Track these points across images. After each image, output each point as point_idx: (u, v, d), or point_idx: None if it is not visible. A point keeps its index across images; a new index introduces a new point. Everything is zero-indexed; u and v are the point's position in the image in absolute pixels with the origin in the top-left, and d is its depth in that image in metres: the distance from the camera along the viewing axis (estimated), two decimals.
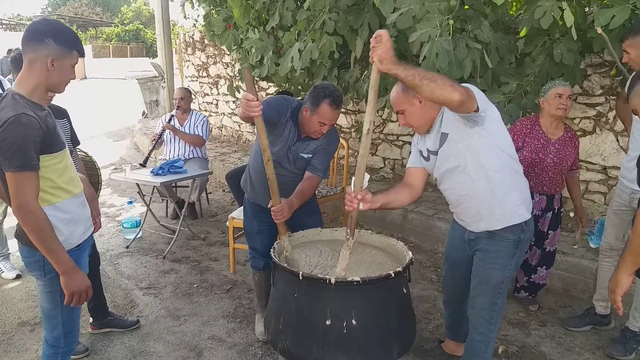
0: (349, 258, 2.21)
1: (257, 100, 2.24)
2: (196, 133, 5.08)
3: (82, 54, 1.91)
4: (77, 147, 3.17)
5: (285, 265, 2.23)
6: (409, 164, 2.39)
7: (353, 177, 2.09)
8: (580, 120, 4.17)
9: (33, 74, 1.80)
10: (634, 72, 2.54)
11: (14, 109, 1.71)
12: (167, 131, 5.08)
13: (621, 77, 3.30)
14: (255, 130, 2.57)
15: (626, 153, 2.80)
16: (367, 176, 2.24)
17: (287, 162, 2.72)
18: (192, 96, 5.55)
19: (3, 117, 1.70)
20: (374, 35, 1.79)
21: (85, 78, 28.88)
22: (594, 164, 4.16)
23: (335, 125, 2.70)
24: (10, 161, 1.70)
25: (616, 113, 3.24)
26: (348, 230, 2.18)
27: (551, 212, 3.13)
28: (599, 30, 2.71)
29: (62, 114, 2.69)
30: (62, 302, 1.94)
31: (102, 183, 3.87)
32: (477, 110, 1.92)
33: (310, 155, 2.71)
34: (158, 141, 5.08)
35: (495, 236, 2.19)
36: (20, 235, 1.92)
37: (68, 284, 1.87)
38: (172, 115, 5.14)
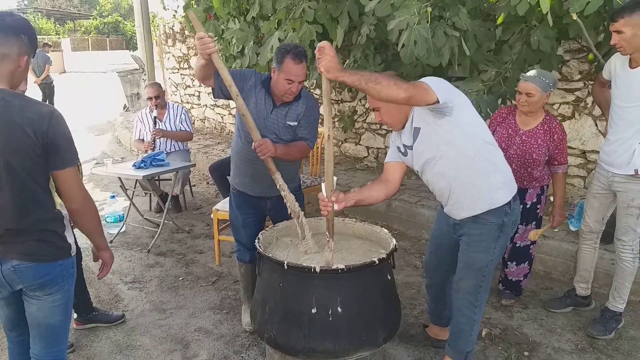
0: (333, 257, 2.24)
1: (209, 35, 2.25)
2: (181, 128, 5.01)
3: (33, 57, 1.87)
4: None
5: (271, 255, 2.24)
6: (387, 159, 2.42)
7: (322, 184, 2.14)
8: (560, 105, 4.23)
9: (3, 69, 1.69)
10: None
11: (43, 104, 1.73)
12: (147, 132, 4.94)
13: (596, 62, 3.34)
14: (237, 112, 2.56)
15: (604, 137, 2.84)
16: (334, 178, 2.28)
17: (266, 130, 2.61)
18: (163, 88, 5.35)
19: (44, 111, 1.67)
20: (317, 48, 1.90)
21: (65, 72, 28.40)
22: (574, 148, 4.22)
23: (310, 92, 2.66)
24: (71, 155, 1.73)
25: (593, 97, 3.23)
26: (327, 233, 2.21)
27: (521, 206, 2.96)
28: (575, 17, 2.74)
29: None
30: (71, 307, 1.93)
31: (83, 177, 3.82)
32: (437, 101, 1.96)
33: (295, 124, 2.67)
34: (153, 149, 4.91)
35: (478, 220, 2.22)
36: (39, 253, 1.76)
37: (110, 258, 2.01)
38: (155, 117, 4.96)
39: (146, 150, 4.87)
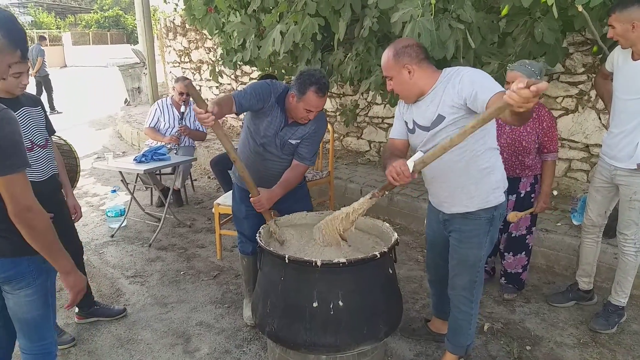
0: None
1: (206, 112, 2.21)
2: (198, 128, 4.95)
3: (24, 57, 1.74)
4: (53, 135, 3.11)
5: (272, 249, 2.23)
6: (394, 135, 2.36)
7: (417, 155, 1.99)
8: (563, 98, 4.20)
9: None
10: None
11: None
12: (167, 123, 4.93)
13: (601, 54, 3.31)
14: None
15: (607, 130, 2.82)
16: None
17: (274, 146, 2.69)
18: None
19: None
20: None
21: (65, 66, 28.39)
22: (577, 142, 4.20)
23: (323, 110, 2.68)
24: (13, 161, 1.56)
25: (595, 90, 3.22)
26: (380, 191, 2.18)
27: (515, 195, 3.03)
28: (580, 8, 2.71)
29: (36, 102, 2.63)
30: (53, 302, 1.90)
31: (84, 171, 3.81)
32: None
33: (298, 141, 2.68)
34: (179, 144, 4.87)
35: (469, 216, 2.21)
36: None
37: (75, 283, 1.79)
38: (183, 113, 4.90)
39: (171, 142, 4.82)
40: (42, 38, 12.76)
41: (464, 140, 1.80)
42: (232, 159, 2.44)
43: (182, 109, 4.92)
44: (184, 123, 4.90)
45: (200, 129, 4.99)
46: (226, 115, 4.37)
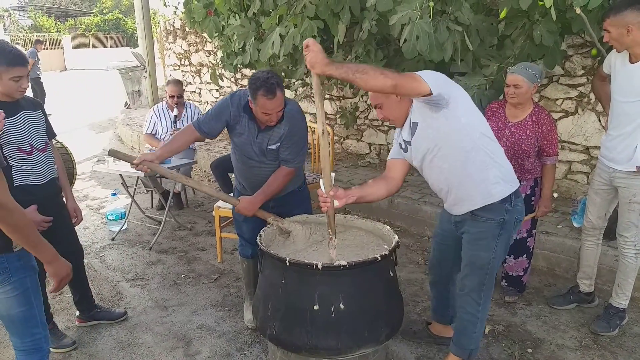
0: (335, 254, 2.23)
1: (135, 163, 2.50)
2: None
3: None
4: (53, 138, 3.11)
5: (273, 252, 2.23)
6: (390, 156, 2.42)
7: (321, 180, 2.14)
8: (563, 101, 4.21)
9: None
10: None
11: None
12: (164, 128, 4.89)
13: (600, 57, 3.31)
14: None
15: (606, 132, 2.82)
16: (332, 174, 2.28)
17: (254, 154, 2.70)
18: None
19: None
20: (304, 44, 1.93)
21: (65, 70, 28.41)
22: (577, 144, 4.20)
23: (296, 109, 2.65)
24: None
25: (593, 91, 3.22)
26: (329, 230, 2.20)
27: None
28: (578, 11, 2.71)
29: (36, 105, 2.64)
30: (36, 299, 1.90)
31: (84, 175, 3.82)
32: (430, 93, 1.95)
33: (278, 145, 2.66)
34: None
35: (478, 217, 2.21)
36: None
37: (57, 271, 1.83)
38: (175, 116, 4.88)
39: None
40: (38, 42, 12.70)
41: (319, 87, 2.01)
42: (198, 188, 2.67)
43: (175, 112, 4.88)
44: (177, 126, 4.85)
45: None
46: (195, 143, 4.48)
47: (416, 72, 1.98)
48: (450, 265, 2.49)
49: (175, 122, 4.89)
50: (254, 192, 2.73)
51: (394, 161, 2.39)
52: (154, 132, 4.93)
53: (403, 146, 2.30)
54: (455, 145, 2.11)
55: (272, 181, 2.68)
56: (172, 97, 4.84)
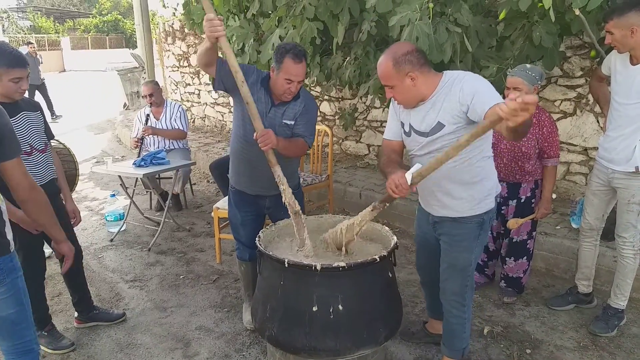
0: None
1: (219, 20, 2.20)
2: (175, 127, 4.99)
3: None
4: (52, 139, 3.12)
5: (271, 254, 2.23)
6: (389, 136, 2.32)
7: (412, 170, 1.98)
8: (561, 102, 4.21)
9: None
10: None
11: None
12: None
13: (599, 58, 3.32)
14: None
15: (604, 133, 2.82)
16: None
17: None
18: (160, 87, 5.29)
19: None
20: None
21: (64, 71, 28.40)
22: (575, 145, 4.20)
23: (308, 91, 2.63)
24: (16, 145, 1.75)
25: (590, 92, 3.22)
26: (381, 203, 2.18)
27: (516, 200, 3.03)
28: (577, 12, 2.72)
29: (35, 106, 2.65)
30: (26, 300, 1.88)
31: (83, 175, 3.82)
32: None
33: (292, 122, 2.64)
34: (141, 147, 4.91)
35: (459, 219, 2.22)
36: None
37: (68, 250, 2.06)
38: (147, 115, 4.97)
39: (136, 147, 4.93)
40: (30, 43, 12.59)
41: (458, 154, 1.80)
42: (240, 82, 2.29)
43: (147, 110, 4.99)
44: (149, 125, 4.93)
45: (177, 127, 4.98)
46: (188, 142, 4.32)
47: (487, 82, 1.96)
48: (435, 265, 2.45)
49: (147, 120, 4.96)
50: (251, 182, 2.72)
51: (397, 142, 2.30)
52: (139, 136, 5.00)
53: (407, 129, 2.20)
54: (464, 155, 2.03)
55: (294, 141, 2.62)
56: (144, 96, 4.99)
